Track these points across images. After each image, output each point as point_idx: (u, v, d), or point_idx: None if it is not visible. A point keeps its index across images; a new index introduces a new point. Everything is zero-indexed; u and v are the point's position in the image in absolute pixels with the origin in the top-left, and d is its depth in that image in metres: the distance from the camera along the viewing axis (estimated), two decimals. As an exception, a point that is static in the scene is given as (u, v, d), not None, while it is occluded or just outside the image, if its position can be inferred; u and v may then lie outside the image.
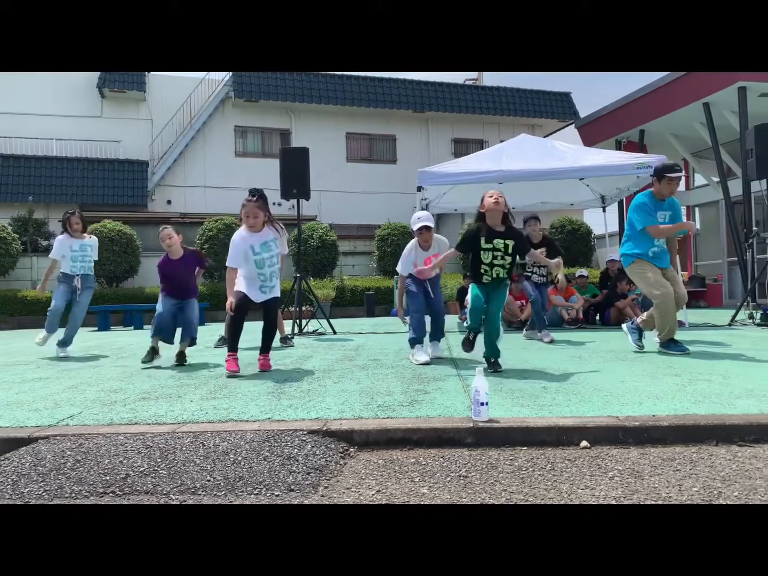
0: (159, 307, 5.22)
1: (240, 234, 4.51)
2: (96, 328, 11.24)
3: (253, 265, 4.46)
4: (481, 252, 4.18)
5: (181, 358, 5.15)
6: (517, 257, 4.32)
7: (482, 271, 4.21)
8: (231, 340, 4.52)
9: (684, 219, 5.10)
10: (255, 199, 4.49)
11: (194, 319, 5.27)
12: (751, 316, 7.86)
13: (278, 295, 4.68)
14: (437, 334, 5.41)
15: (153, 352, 5.17)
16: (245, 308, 4.44)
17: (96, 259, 6.49)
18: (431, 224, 4.99)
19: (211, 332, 7.90)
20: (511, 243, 4.16)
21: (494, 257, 4.17)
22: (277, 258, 4.57)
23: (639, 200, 5.11)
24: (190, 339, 5.22)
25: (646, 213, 4.99)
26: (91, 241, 6.44)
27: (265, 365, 4.54)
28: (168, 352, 5.36)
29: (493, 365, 4.22)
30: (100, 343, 7.75)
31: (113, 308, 11.94)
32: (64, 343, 6.13)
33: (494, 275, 4.20)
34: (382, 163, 21.49)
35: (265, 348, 4.64)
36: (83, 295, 6.25)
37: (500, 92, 22.28)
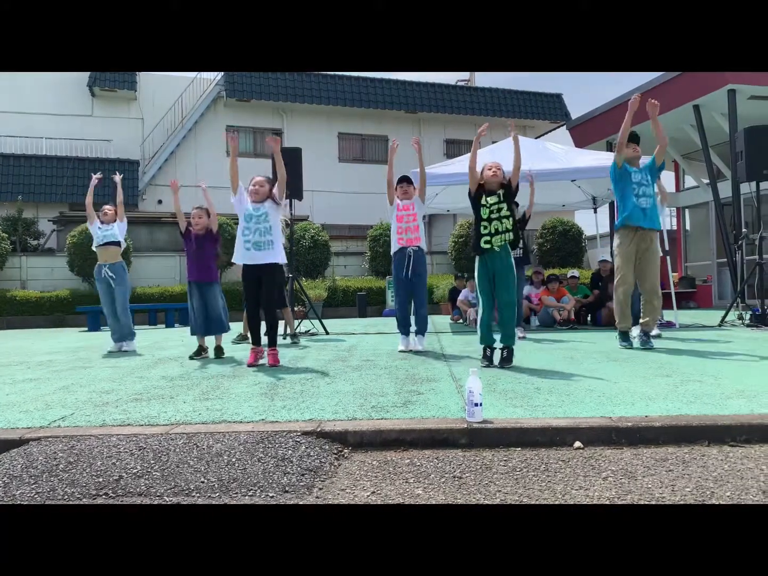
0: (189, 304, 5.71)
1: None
2: (86, 329, 11.17)
3: (243, 218, 4.82)
4: (481, 209, 4.47)
5: (218, 351, 5.56)
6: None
7: (482, 228, 4.44)
8: (251, 334, 4.90)
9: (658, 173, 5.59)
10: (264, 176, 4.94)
11: (218, 313, 5.60)
12: (740, 317, 7.92)
13: (273, 261, 4.80)
14: (419, 326, 5.53)
15: (200, 350, 5.55)
16: (251, 279, 4.80)
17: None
18: (409, 176, 5.80)
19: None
20: (502, 191, 4.46)
21: (491, 211, 4.43)
22: (265, 218, 4.79)
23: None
24: (219, 332, 5.67)
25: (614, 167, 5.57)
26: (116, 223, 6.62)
27: (271, 361, 4.71)
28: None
29: (505, 360, 4.36)
30: (91, 344, 7.70)
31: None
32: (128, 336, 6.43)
33: (493, 230, 4.40)
34: (375, 163, 21.48)
35: (270, 340, 4.80)
36: (116, 284, 6.43)
37: (492, 93, 22.35)
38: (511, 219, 4.44)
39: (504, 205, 4.43)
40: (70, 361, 5.69)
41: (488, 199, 4.45)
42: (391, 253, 5.71)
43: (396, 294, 5.75)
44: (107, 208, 6.55)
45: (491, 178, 4.46)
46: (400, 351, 5.61)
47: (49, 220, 16.98)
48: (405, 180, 5.72)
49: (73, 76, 18.50)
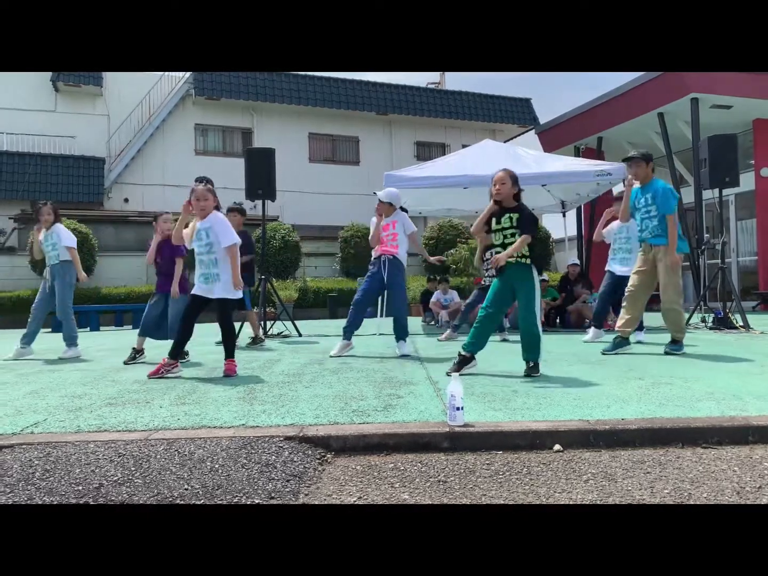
0: (146, 309, 5.58)
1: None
2: (50, 330, 10.87)
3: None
4: (493, 235, 4.24)
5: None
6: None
7: (498, 252, 4.20)
8: (173, 346, 4.50)
9: (671, 200, 5.22)
10: (204, 183, 4.60)
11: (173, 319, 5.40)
12: (703, 320, 8.16)
13: (226, 296, 4.47)
14: (400, 333, 5.54)
15: (135, 352, 5.45)
16: (197, 307, 4.51)
17: (68, 245, 6.11)
18: (382, 197, 5.68)
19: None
20: (515, 216, 4.16)
21: (504, 236, 4.19)
22: (209, 247, 4.44)
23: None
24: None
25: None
26: (54, 228, 6.13)
27: (227, 369, 4.43)
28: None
29: (531, 369, 4.09)
30: (56, 346, 7.49)
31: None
32: (26, 336, 6.06)
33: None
34: (345, 164, 21.49)
35: (226, 352, 4.50)
36: (56, 286, 6.08)
37: (462, 97, 22.57)
38: (526, 247, 4.15)
39: (516, 232, 4.14)
40: (37, 363, 5.55)
41: (502, 220, 4.18)
42: (372, 246, 5.76)
43: (360, 293, 5.65)
44: (46, 210, 6.08)
45: (496, 196, 4.18)
46: (332, 356, 5.44)
47: (9, 218, 16.50)
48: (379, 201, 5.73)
49: (35, 70, 18.02)
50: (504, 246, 4.19)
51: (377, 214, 5.68)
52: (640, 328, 6.22)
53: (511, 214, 4.18)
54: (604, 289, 6.59)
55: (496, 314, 4.29)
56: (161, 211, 5.92)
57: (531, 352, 4.16)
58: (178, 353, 4.52)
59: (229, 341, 4.53)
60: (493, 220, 4.25)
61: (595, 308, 6.75)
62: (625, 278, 5.80)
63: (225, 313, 4.56)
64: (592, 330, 6.57)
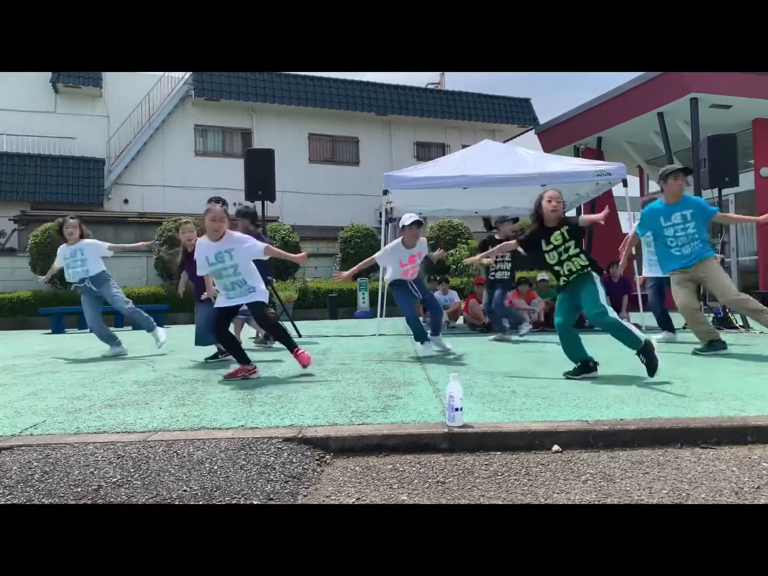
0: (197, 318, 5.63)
1: (201, 242, 4.53)
2: (49, 331, 10.87)
3: (214, 275, 4.53)
4: (546, 255, 4.17)
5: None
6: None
7: (556, 275, 4.20)
8: (235, 356, 4.55)
9: (707, 205, 5.12)
10: (220, 204, 4.60)
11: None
12: (703, 320, 8.14)
13: (257, 299, 4.47)
14: (436, 328, 5.63)
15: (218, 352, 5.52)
16: (221, 321, 4.53)
17: (106, 255, 6.30)
18: (406, 221, 5.45)
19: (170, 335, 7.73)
20: (565, 229, 4.11)
21: (559, 254, 4.12)
22: (233, 269, 4.37)
23: (641, 212, 5.47)
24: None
25: (639, 225, 5.46)
26: (82, 244, 6.19)
27: (302, 360, 4.48)
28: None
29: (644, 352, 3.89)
30: (56, 347, 7.51)
31: (68, 310, 11.55)
32: (108, 341, 6.22)
33: (566, 271, 4.10)
34: (345, 164, 21.49)
35: (287, 347, 4.59)
36: (102, 291, 6.18)
37: (462, 97, 22.57)
38: (583, 255, 4.09)
39: (571, 244, 4.08)
40: (37, 365, 5.54)
41: (552, 239, 4.11)
42: (390, 276, 5.63)
43: (407, 316, 5.61)
44: (70, 223, 6.21)
45: (551, 213, 4.11)
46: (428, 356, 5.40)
47: (9, 219, 16.50)
48: (417, 223, 5.53)
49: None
50: (561, 263, 4.11)
51: (405, 240, 5.50)
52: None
53: (561, 230, 4.11)
54: (655, 298, 6.64)
55: (569, 320, 4.20)
56: (180, 220, 5.91)
57: (627, 341, 3.97)
58: (245, 359, 4.45)
59: (281, 337, 4.62)
60: (543, 242, 4.18)
61: (657, 317, 6.67)
62: (664, 278, 5.88)
63: (258, 313, 4.61)
64: (663, 333, 6.57)
